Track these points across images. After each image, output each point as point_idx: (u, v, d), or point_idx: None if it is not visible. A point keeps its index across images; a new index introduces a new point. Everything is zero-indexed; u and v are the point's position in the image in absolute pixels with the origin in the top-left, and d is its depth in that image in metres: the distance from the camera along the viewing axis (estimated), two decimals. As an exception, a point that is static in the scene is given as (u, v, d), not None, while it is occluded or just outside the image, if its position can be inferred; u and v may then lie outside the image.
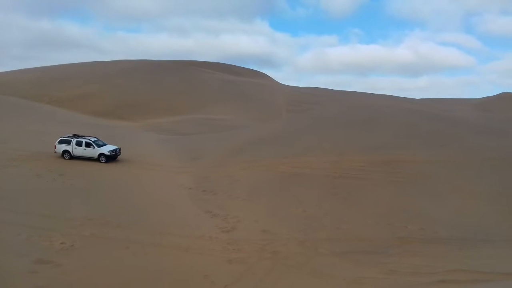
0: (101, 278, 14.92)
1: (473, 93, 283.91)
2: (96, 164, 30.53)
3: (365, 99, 66.75)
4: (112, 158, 32.12)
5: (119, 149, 33.15)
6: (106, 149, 32.12)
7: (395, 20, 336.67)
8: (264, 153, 32.62)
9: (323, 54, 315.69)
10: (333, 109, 54.71)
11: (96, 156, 31.60)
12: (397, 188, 24.75)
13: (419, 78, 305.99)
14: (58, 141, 32.10)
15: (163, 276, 15.51)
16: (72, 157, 31.69)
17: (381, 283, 15.18)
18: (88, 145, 31.86)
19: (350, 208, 22.44)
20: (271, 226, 20.44)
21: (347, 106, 54.81)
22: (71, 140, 32.04)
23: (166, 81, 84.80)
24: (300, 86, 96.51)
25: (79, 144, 31.86)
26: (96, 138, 33.24)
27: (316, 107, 57.25)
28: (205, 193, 25.33)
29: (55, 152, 31.87)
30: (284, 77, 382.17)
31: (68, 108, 64.06)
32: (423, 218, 20.65)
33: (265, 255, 17.69)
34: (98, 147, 31.96)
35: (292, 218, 21.41)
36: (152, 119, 64.79)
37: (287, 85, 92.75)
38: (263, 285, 15.37)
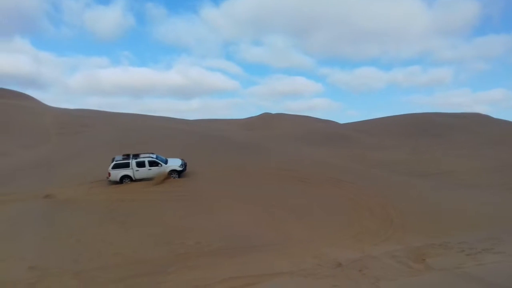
0: None
1: (240, 114, 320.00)
2: None
3: (141, 121, 66.83)
4: (182, 172, 28.99)
5: (185, 162, 30.09)
6: (176, 164, 29.02)
7: (163, 46, 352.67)
8: (28, 182, 29.28)
9: (94, 75, 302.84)
10: (107, 131, 52.92)
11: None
12: (173, 206, 25.49)
13: (191, 100, 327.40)
14: (112, 166, 27.91)
15: None
16: (134, 181, 28.32)
17: (161, 303, 15.33)
18: (153, 164, 28.14)
19: (128, 231, 21.97)
20: (41, 262, 18.29)
21: (122, 128, 53.85)
22: (129, 162, 27.92)
23: None
24: (72, 108, 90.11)
25: (140, 164, 28.01)
26: (153, 153, 28.50)
27: (89, 130, 54.33)
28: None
29: (109, 180, 28.08)
30: (53, 98, 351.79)
31: None
32: (198, 233, 21.78)
33: (35, 294, 15.76)
34: (165, 164, 28.58)
35: (65, 250, 19.64)
36: None
37: (57, 107, 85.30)
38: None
